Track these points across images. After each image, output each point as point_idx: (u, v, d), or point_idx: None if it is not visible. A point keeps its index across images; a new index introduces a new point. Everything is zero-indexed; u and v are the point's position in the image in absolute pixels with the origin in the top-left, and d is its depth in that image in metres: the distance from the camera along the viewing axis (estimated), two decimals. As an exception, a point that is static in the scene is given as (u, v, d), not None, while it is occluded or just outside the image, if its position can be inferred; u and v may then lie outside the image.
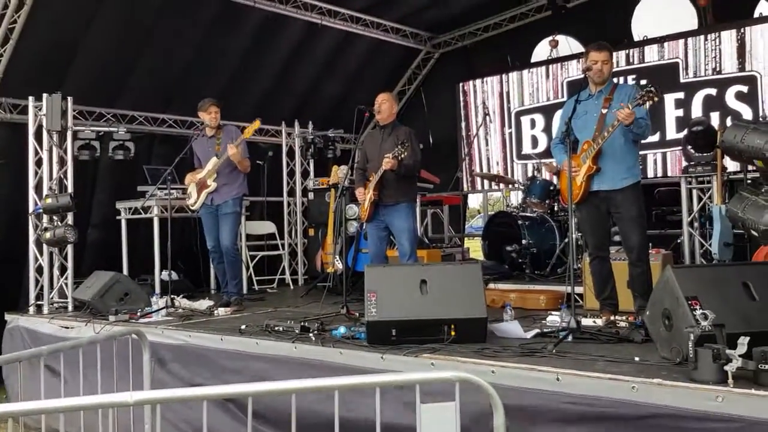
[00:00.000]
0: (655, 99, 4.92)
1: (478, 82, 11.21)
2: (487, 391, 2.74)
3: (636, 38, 9.47)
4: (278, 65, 10.12)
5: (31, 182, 7.73)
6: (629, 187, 5.23)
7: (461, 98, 11.37)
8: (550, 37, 10.40)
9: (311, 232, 9.62)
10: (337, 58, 10.68)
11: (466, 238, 11.70)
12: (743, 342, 3.34)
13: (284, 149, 10.26)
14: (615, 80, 5.72)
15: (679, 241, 7.29)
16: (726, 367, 3.34)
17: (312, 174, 10.26)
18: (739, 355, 3.33)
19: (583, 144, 5.37)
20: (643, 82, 9.00)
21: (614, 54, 9.24)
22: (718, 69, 8.72)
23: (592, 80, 5.41)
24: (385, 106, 6.45)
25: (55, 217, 7.61)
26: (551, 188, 8.25)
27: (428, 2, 10.21)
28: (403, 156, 6.05)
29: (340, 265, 7.92)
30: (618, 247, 6.08)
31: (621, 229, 5.38)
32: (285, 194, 10.18)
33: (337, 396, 2.71)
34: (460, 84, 11.40)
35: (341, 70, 10.90)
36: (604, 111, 5.25)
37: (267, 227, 9.78)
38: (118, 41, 8.42)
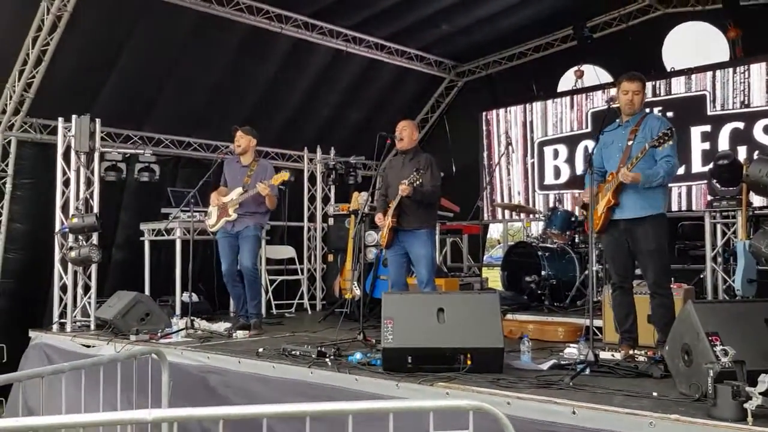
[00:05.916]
0: (669, 142, 4.90)
1: (501, 111, 11.18)
2: (501, 421, 2.71)
3: (668, 69, 9.33)
4: (303, 91, 10.21)
5: (58, 202, 7.85)
6: (649, 218, 5.14)
7: (484, 127, 11.34)
8: (576, 67, 10.41)
9: (330, 257, 9.65)
10: (361, 85, 10.76)
11: (485, 268, 11.64)
12: (764, 380, 3.29)
13: (306, 174, 10.33)
14: (647, 110, 5.66)
15: (701, 276, 7.20)
16: (746, 405, 3.30)
17: (333, 200, 10.33)
18: (760, 393, 3.28)
19: (608, 175, 5.35)
20: (670, 114, 8.90)
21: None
22: (746, 102, 8.58)
23: (622, 110, 5.37)
24: (405, 133, 6.42)
25: (80, 237, 7.73)
26: (572, 219, 8.22)
27: (452, 31, 10.25)
28: (417, 183, 6.03)
29: (358, 292, 7.92)
30: (641, 280, 6.03)
31: (639, 262, 5.32)
32: (305, 219, 10.24)
33: (350, 420, 2.70)
34: (483, 113, 11.37)
35: (365, 97, 10.98)
36: (630, 143, 5.21)
37: (287, 252, 9.82)
38: (148, 65, 8.57)
